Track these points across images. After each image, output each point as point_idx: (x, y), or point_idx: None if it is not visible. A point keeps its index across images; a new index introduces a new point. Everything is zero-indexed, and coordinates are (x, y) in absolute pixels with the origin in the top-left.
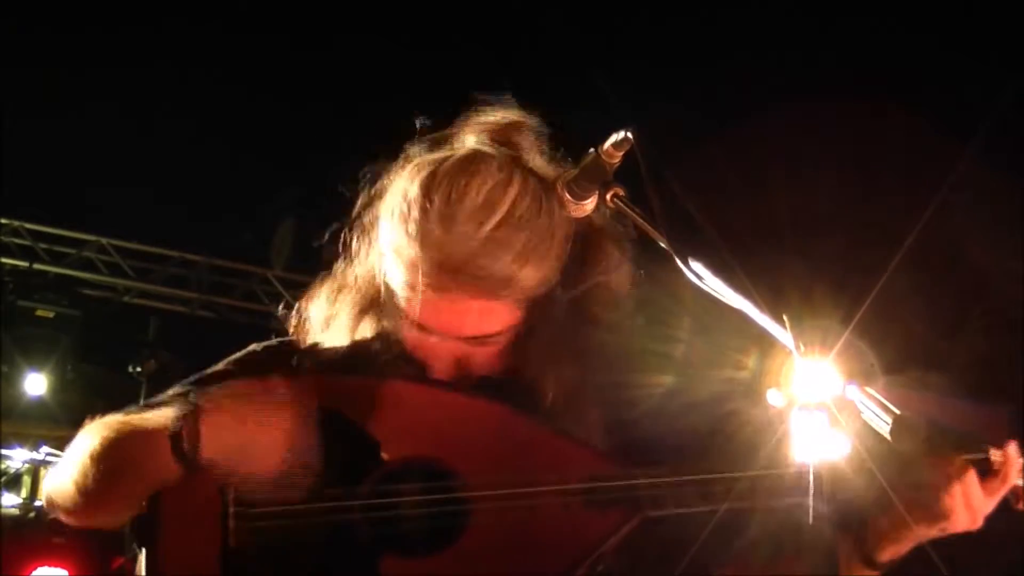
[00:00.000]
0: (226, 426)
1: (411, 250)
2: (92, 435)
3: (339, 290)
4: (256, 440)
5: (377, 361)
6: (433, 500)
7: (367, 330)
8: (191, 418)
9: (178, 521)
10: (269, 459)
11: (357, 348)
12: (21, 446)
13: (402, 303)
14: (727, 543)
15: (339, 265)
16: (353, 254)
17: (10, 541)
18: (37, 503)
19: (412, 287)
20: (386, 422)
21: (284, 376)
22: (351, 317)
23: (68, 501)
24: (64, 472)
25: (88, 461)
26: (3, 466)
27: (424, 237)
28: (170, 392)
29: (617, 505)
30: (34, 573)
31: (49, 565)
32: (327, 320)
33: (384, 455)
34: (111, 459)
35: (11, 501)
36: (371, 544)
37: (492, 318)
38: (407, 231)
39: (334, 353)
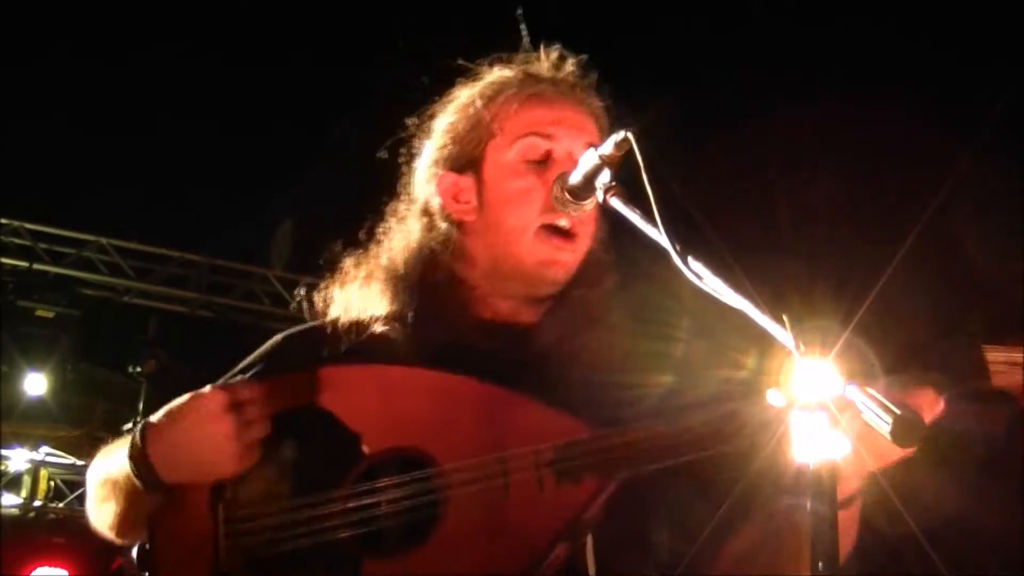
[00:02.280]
0: (170, 443)
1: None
2: (99, 475)
3: (370, 273)
4: (203, 448)
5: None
6: (408, 496)
7: (401, 304)
8: (138, 445)
9: (169, 544)
10: (225, 463)
11: (386, 326)
12: (21, 446)
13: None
14: (704, 494)
15: (370, 249)
16: (387, 228)
17: (10, 541)
18: (37, 503)
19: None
20: (366, 412)
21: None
22: (383, 294)
23: (104, 531)
24: (92, 506)
25: (100, 495)
26: (3, 466)
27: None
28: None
29: (590, 472)
30: (34, 573)
31: (49, 565)
32: (359, 299)
33: (364, 448)
34: (109, 492)
35: (11, 501)
36: (353, 549)
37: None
38: (495, 99)
39: (359, 336)
